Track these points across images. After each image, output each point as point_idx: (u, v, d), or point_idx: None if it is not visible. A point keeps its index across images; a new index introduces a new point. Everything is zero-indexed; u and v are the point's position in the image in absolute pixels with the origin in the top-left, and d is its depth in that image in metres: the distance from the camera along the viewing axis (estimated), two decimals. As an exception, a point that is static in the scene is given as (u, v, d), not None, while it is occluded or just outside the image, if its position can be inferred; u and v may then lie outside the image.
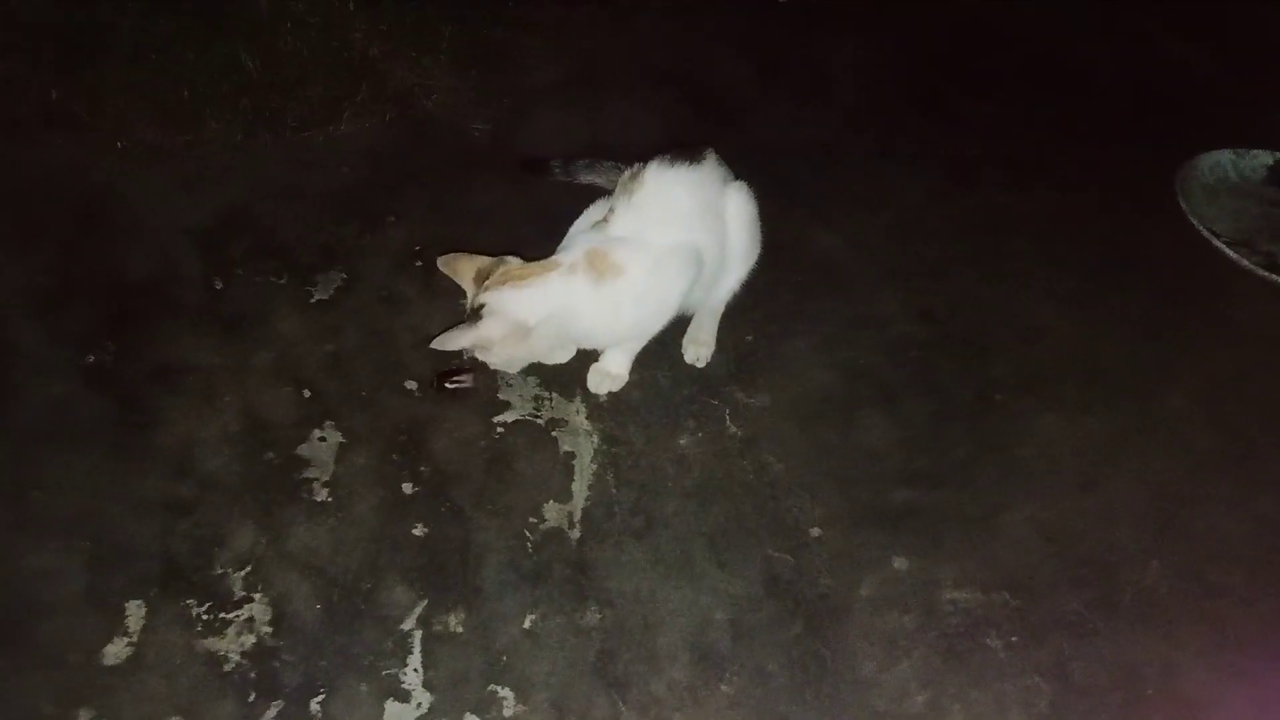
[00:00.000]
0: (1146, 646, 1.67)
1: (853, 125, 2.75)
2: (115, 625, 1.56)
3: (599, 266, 1.78)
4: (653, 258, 1.79)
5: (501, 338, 1.78)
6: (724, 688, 1.57)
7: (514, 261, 1.84)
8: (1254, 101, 2.89)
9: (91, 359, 1.92)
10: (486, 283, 1.80)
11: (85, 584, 1.60)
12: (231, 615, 1.59)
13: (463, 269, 1.87)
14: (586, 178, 2.23)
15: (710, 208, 1.91)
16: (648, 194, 1.84)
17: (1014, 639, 1.66)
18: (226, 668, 1.53)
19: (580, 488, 1.82)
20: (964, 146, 2.71)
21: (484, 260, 1.86)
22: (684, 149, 1.89)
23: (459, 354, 1.86)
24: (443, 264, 1.89)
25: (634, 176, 1.87)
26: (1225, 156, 2.70)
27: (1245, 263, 2.38)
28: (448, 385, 1.93)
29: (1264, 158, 2.70)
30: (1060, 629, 1.68)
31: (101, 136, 2.39)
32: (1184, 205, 2.53)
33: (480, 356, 1.85)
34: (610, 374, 1.97)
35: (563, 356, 1.98)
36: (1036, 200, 2.56)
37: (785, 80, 2.89)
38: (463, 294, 1.88)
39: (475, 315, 1.78)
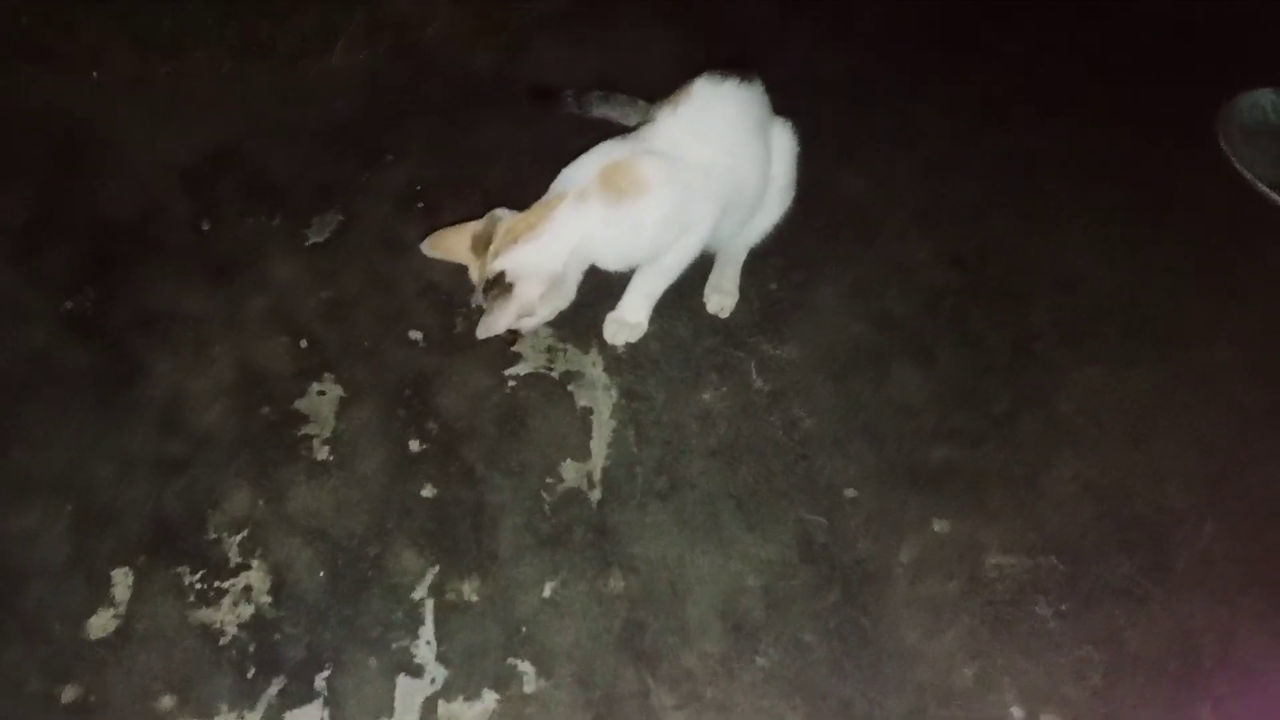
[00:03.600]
0: (1203, 613, 1.58)
1: (878, 60, 2.59)
2: (102, 594, 1.45)
3: (618, 183, 1.62)
4: (686, 178, 1.65)
5: (541, 297, 1.63)
6: (759, 660, 1.47)
7: (506, 214, 1.68)
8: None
9: (71, 305, 1.79)
10: (493, 247, 1.63)
11: (69, 549, 1.49)
12: (227, 584, 1.48)
13: (453, 245, 1.70)
14: (600, 111, 2.09)
15: (758, 132, 1.78)
16: (695, 107, 1.71)
17: (1064, 606, 1.57)
18: (223, 641, 1.43)
19: (599, 446, 1.70)
20: (995, 83, 2.56)
21: (473, 226, 1.69)
22: (733, 67, 1.76)
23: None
24: (429, 249, 1.72)
25: (681, 89, 1.74)
26: (1265, 96, 2.56)
27: (1290, 207, 2.27)
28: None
29: (1306, 97, 2.57)
30: (1112, 595, 1.59)
31: (77, 67, 2.23)
32: (1225, 147, 2.41)
33: (525, 327, 1.70)
34: (628, 323, 1.85)
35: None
36: (1072, 140, 2.42)
37: (805, 13, 2.73)
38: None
39: (500, 286, 1.61)
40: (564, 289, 1.67)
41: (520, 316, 1.65)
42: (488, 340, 1.79)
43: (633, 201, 1.63)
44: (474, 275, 1.69)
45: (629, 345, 1.85)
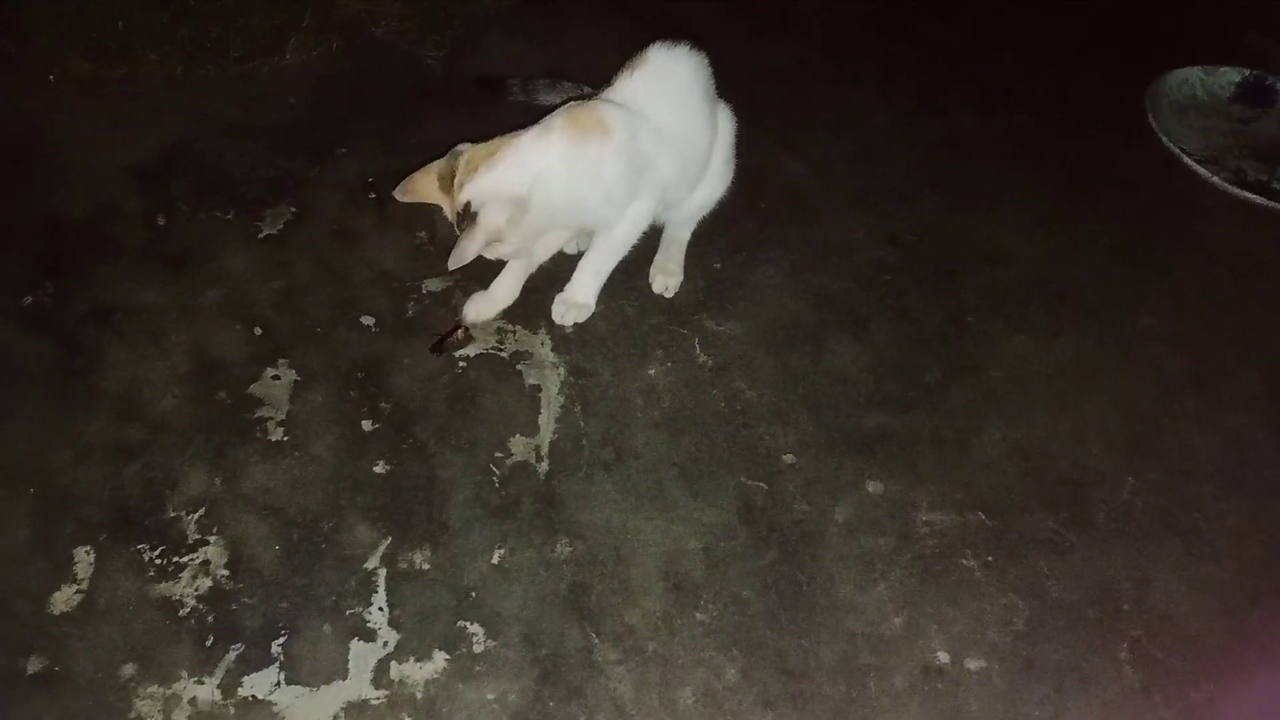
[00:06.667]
0: (1121, 562, 1.67)
1: (817, 50, 2.69)
2: (64, 572, 1.49)
3: (583, 122, 1.70)
4: (643, 133, 1.74)
5: (507, 221, 1.67)
6: (699, 615, 1.53)
7: (468, 147, 1.74)
8: (1222, 17, 2.85)
9: (30, 301, 1.83)
10: (457, 180, 1.69)
11: (31, 531, 1.53)
12: (185, 559, 1.53)
13: (423, 187, 1.76)
14: (546, 98, 2.14)
15: (707, 99, 1.87)
16: (651, 70, 1.80)
17: (990, 559, 1.64)
18: (182, 612, 1.47)
19: (547, 421, 1.77)
20: (930, 69, 2.66)
21: (438, 165, 1.75)
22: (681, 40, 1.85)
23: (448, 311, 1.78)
24: (400, 194, 1.79)
25: (636, 56, 1.83)
26: (1194, 74, 2.67)
27: (1214, 180, 2.37)
28: (445, 349, 1.85)
29: (1231, 74, 2.68)
30: (1036, 548, 1.67)
31: (32, 72, 2.27)
32: (1153, 123, 2.50)
33: (496, 254, 1.74)
34: (576, 303, 1.91)
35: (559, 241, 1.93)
36: (1004, 122, 2.52)
37: (748, 5, 2.81)
38: (421, 225, 1.79)
39: (467, 216, 1.67)
40: (532, 216, 1.70)
41: (489, 243, 1.69)
42: (437, 324, 1.86)
43: (597, 143, 1.69)
44: (448, 213, 1.74)
45: (577, 325, 1.91)
